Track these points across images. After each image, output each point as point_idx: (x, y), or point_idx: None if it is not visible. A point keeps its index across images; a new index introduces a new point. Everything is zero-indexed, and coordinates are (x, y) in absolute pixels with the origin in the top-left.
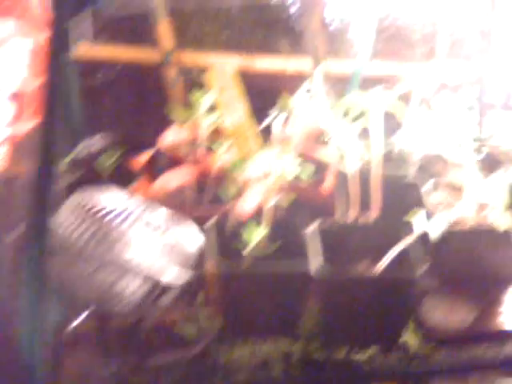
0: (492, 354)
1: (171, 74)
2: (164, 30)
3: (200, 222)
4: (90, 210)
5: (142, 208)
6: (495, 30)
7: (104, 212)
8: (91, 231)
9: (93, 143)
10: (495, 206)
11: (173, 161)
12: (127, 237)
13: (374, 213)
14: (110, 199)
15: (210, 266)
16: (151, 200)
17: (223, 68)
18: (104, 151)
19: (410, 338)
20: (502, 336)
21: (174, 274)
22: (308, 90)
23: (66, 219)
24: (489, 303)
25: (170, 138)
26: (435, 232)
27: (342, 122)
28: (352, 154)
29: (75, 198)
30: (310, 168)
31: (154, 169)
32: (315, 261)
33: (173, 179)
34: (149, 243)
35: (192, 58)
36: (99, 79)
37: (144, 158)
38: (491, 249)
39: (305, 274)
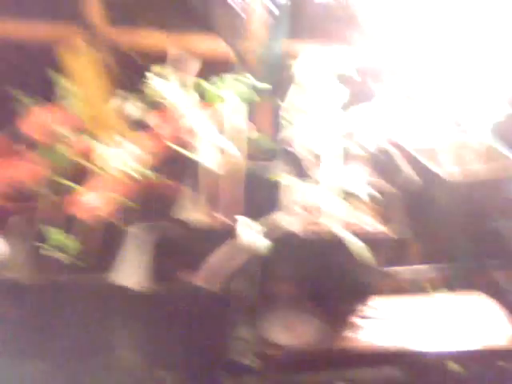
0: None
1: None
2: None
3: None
4: None
5: None
6: None
7: None
8: None
9: None
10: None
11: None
12: None
13: (228, 214)
14: None
15: (17, 273)
16: None
17: (85, 50)
18: None
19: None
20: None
21: None
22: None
23: None
24: (335, 320)
25: (29, 121)
26: (272, 241)
27: (207, 113)
28: (213, 148)
29: None
30: (160, 162)
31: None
32: (138, 271)
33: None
34: None
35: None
36: None
37: None
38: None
39: (125, 286)
